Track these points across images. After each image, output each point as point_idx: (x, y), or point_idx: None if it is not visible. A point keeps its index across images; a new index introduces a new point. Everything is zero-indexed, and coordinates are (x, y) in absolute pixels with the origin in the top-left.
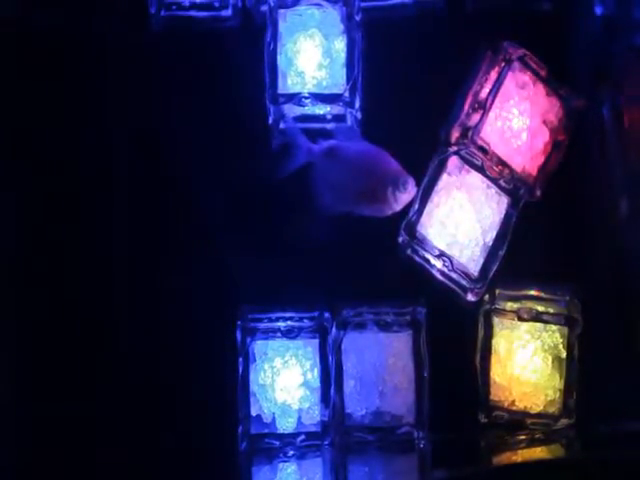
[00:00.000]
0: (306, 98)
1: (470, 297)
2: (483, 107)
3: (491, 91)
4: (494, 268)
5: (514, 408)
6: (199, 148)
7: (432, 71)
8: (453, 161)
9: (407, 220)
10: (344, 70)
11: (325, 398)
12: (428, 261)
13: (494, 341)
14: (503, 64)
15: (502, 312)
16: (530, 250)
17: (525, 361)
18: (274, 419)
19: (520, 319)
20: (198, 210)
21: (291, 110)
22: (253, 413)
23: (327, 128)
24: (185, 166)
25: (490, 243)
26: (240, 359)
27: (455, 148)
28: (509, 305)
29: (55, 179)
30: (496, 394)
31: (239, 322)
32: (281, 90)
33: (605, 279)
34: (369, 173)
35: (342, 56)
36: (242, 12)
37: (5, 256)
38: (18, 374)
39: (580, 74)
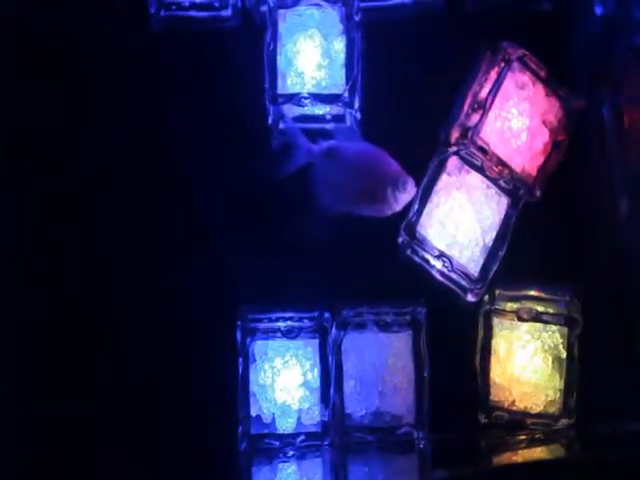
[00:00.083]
0: (305, 98)
1: (470, 297)
2: (483, 107)
3: (491, 91)
4: (494, 268)
5: (514, 408)
6: (199, 148)
7: (432, 71)
8: (453, 161)
9: (407, 220)
10: (343, 70)
11: (325, 398)
12: (428, 261)
13: (494, 341)
14: (503, 64)
15: (502, 312)
16: (530, 250)
17: (525, 361)
18: (274, 419)
19: (520, 319)
20: (198, 210)
21: (291, 110)
22: (253, 413)
23: (327, 128)
24: (185, 166)
25: (490, 243)
26: (240, 359)
27: (455, 148)
28: (509, 305)
29: (55, 179)
30: (496, 394)
31: (239, 322)
32: (281, 90)
33: (605, 279)
34: (369, 173)
35: (341, 56)
36: (242, 12)
37: (5, 256)
38: (18, 374)
39: (580, 74)
